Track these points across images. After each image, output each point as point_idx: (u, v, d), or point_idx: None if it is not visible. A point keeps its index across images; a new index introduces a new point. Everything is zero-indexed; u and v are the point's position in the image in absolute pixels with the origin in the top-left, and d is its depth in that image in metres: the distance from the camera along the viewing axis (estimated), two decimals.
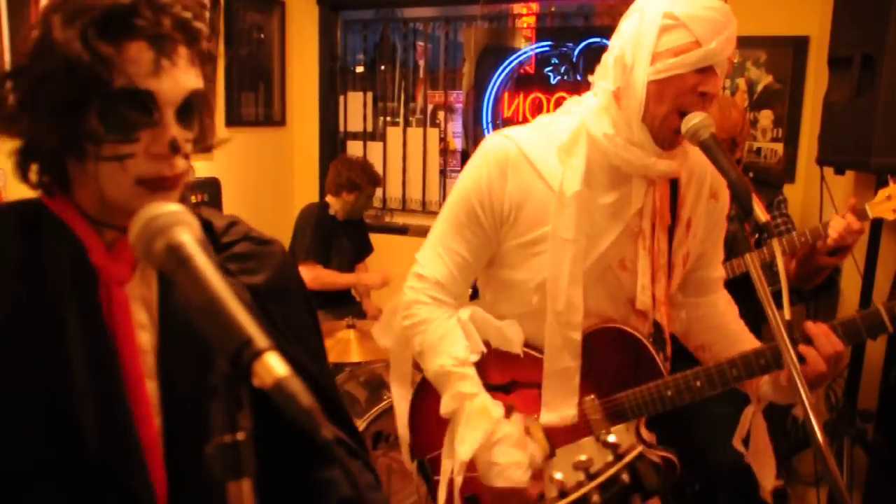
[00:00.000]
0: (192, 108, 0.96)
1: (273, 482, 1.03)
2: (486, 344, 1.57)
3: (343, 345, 3.10)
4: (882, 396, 2.77)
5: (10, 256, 0.95)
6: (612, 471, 0.94)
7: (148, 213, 0.75)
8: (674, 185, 1.51)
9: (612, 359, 1.52)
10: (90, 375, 0.92)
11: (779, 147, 3.56)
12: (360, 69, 4.77)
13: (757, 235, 1.26)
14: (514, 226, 1.49)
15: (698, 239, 1.57)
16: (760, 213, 1.18)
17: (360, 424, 3.03)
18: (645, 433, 1.56)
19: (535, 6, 4.35)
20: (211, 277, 0.70)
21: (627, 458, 0.95)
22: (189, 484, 0.96)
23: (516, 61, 4.31)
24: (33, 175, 0.97)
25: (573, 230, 1.43)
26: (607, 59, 1.44)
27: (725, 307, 1.67)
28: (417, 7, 4.52)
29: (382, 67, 4.68)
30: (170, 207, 0.76)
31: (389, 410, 2.82)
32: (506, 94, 4.32)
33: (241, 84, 4.14)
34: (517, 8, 4.34)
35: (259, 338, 0.65)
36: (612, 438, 1.09)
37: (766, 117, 3.57)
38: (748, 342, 1.56)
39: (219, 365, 0.65)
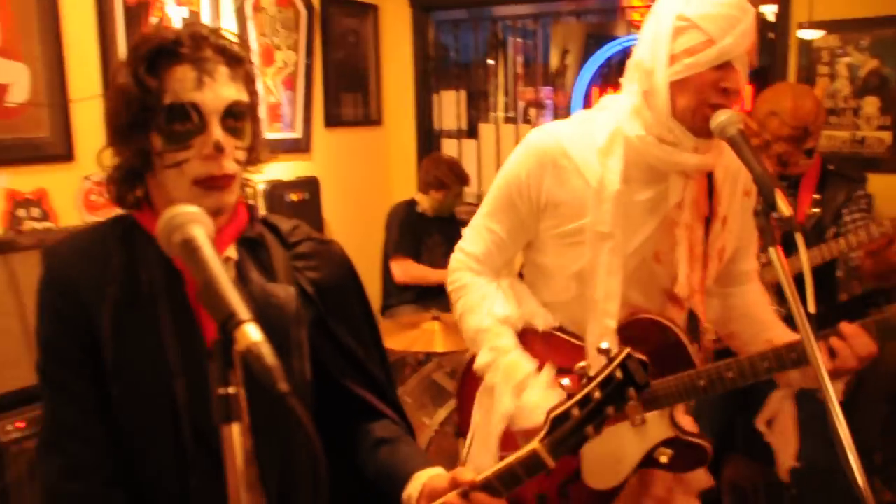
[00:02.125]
0: (237, 117, 1.13)
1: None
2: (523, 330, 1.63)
3: (428, 336, 3.22)
4: None
5: (114, 264, 1.14)
6: (606, 370, 1.07)
7: (169, 212, 0.92)
8: (711, 181, 1.54)
9: (646, 348, 1.54)
10: (182, 361, 1.11)
11: (886, 135, 3.36)
12: (453, 68, 4.86)
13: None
14: (552, 216, 1.56)
15: (734, 235, 1.60)
16: (784, 207, 1.18)
17: (444, 413, 3.14)
18: (682, 419, 1.58)
19: None
20: (213, 265, 0.86)
21: (618, 359, 1.07)
22: (272, 452, 1.16)
23: (613, 51, 4.25)
24: (129, 196, 1.18)
25: (610, 224, 1.48)
26: (631, 63, 1.51)
27: (756, 297, 1.70)
28: (508, 5, 4.56)
29: (475, 65, 4.75)
30: (187, 209, 0.92)
31: None
32: (595, 90, 4.29)
33: (339, 86, 4.33)
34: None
35: (241, 311, 0.79)
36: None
37: (871, 104, 3.37)
38: (776, 331, 1.59)
39: (217, 333, 0.80)
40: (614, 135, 1.49)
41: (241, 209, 1.23)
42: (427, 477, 1.16)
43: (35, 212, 2.85)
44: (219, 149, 1.09)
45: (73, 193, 2.94)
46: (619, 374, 1.08)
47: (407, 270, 3.77)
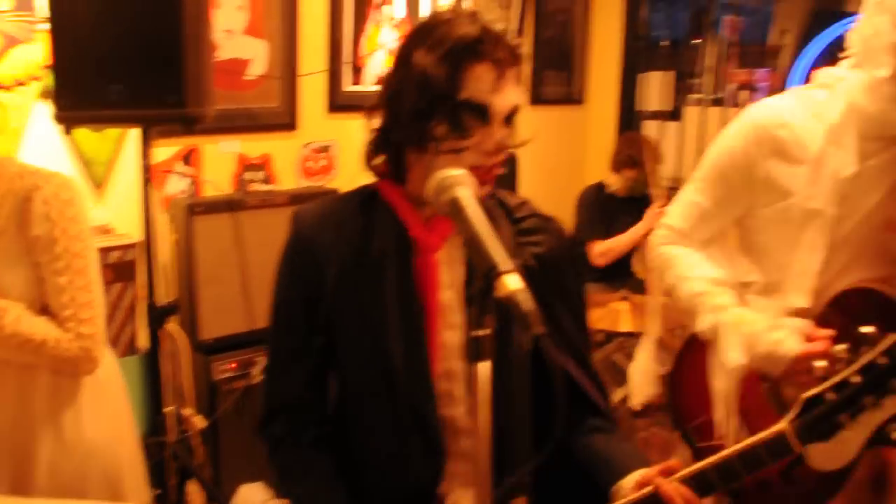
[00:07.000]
0: (511, 119, 1.19)
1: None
2: None
3: (614, 315, 3.23)
4: None
5: (350, 228, 1.24)
6: (870, 355, 1.01)
7: (440, 175, 1.04)
8: None
9: (866, 318, 1.47)
10: (401, 322, 1.21)
11: None
12: (664, 44, 4.69)
13: None
14: (767, 192, 1.54)
15: None
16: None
17: (621, 392, 3.15)
18: None
19: None
20: (477, 221, 0.96)
21: (884, 344, 1.00)
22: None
23: (845, 29, 3.91)
24: (378, 163, 1.27)
25: (822, 202, 1.45)
26: (871, 42, 1.44)
27: None
28: None
29: (685, 45, 4.56)
30: (455, 172, 1.04)
31: None
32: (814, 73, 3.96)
33: (545, 65, 4.35)
34: None
35: (504, 263, 0.89)
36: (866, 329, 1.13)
37: None
38: None
39: (476, 282, 0.90)
40: (847, 114, 1.44)
41: None
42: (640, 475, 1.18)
43: (259, 175, 3.18)
44: (500, 148, 1.16)
45: (293, 160, 3.24)
46: (882, 360, 1.01)
47: (607, 251, 3.68)
